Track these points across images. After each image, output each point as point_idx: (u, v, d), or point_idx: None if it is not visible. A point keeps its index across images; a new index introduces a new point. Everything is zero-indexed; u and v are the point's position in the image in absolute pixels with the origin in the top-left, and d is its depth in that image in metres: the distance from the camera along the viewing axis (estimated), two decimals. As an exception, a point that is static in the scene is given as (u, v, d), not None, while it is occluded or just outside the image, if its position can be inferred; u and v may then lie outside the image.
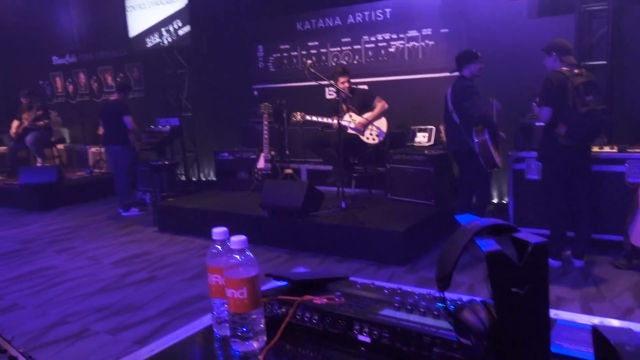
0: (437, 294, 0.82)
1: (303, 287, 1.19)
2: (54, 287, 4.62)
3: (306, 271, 1.44)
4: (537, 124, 4.73)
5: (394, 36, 6.38)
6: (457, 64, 4.53)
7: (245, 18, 7.62)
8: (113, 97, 7.13)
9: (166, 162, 7.33)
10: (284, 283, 1.25)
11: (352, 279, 1.29)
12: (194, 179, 8.47)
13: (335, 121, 5.37)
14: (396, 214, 5.21)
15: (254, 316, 1.03)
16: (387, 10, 6.40)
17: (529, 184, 4.79)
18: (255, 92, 7.67)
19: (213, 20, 7.86)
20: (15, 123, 8.69)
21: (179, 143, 8.12)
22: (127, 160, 6.93)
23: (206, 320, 1.21)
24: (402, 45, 6.34)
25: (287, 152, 6.53)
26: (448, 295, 0.82)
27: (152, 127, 7.99)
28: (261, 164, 6.37)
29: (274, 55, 7.44)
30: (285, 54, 7.32)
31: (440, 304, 0.99)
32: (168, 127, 7.85)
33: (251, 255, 1.05)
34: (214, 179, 8.28)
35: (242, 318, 1.03)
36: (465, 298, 1.03)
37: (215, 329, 1.14)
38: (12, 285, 4.70)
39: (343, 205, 5.19)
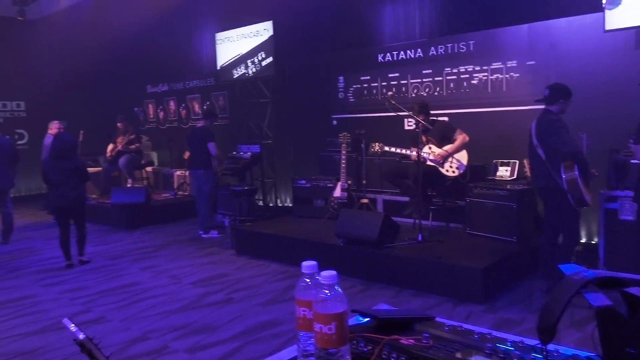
0: (534, 344, 0.79)
1: (388, 325, 1.18)
2: (138, 303, 4.85)
3: (390, 308, 1.42)
4: (632, 161, 4.44)
5: (477, 68, 6.28)
6: (551, 96, 4.34)
7: (327, 50, 7.82)
8: (200, 124, 7.49)
9: (246, 188, 7.57)
10: (366, 319, 1.25)
11: (438, 319, 1.26)
12: (271, 205, 8.67)
13: (414, 152, 5.32)
14: (475, 249, 5.04)
15: (341, 353, 1.03)
16: (471, 42, 6.32)
17: (622, 225, 4.48)
18: (334, 122, 7.79)
19: (295, 52, 8.13)
20: (110, 146, 9.35)
21: (259, 169, 8.37)
22: (209, 185, 7.22)
23: (292, 352, 1.23)
24: (485, 77, 6.22)
25: (363, 181, 6.55)
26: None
27: (234, 153, 8.30)
28: (337, 192, 6.42)
29: (354, 86, 7.54)
30: (366, 85, 7.41)
31: (537, 356, 0.95)
32: (249, 153, 8.13)
33: (340, 290, 1.06)
34: (291, 205, 8.45)
35: (329, 354, 1.03)
36: (562, 349, 0.97)
37: (300, 362, 1.15)
38: (101, 299, 4.98)
39: (420, 237, 5.10)
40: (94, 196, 9.63)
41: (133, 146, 9.33)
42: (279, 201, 8.79)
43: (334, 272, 1.05)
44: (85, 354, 1.48)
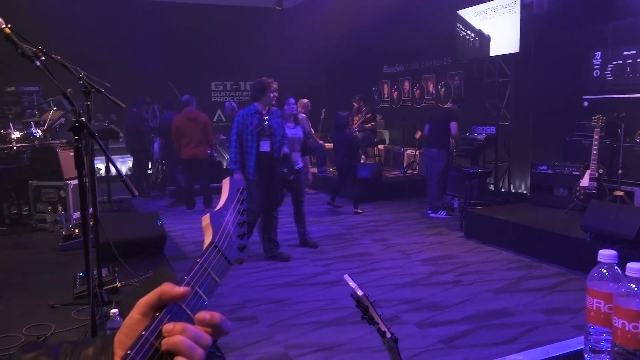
0: None
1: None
2: (370, 272, 5.14)
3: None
4: None
5: None
6: None
7: (581, 22, 6.99)
8: (447, 106, 7.53)
9: (479, 170, 7.33)
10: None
11: None
12: (503, 190, 8.24)
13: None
14: None
15: (646, 354, 0.92)
16: None
17: None
18: (585, 103, 6.97)
19: (543, 26, 7.46)
20: (348, 123, 9.99)
21: (493, 152, 8.01)
22: (441, 164, 7.20)
23: (576, 343, 1.14)
24: None
25: (619, 171, 5.74)
26: None
27: (468, 134, 8.09)
28: (585, 181, 5.76)
29: (615, 63, 6.61)
30: (629, 61, 6.43)
31: None
32: (484, 135, 7.83)
33: (648, 286, 0.94)
34: (525, 192, 7.91)
35: (631, 354, 0.93)
36: None
37: (587, 356, 1.07)
38: (337, 263, 5.41)
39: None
40: (330, 170, 10.45)
41: (368, 125, 9.81)
42: (512, 187, 8.31)
43: (641, 266, 0.94)
44: (360, 309, 1.62)
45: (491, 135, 7.79)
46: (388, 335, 1.60)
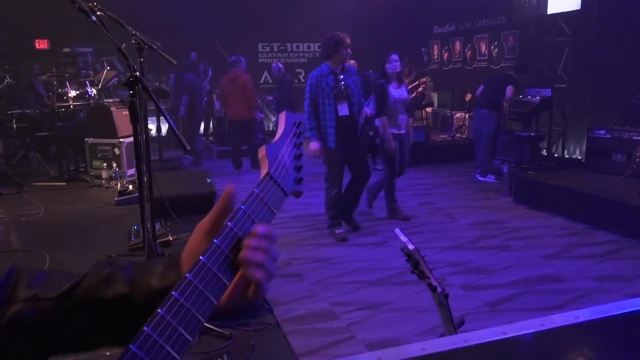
0: None
1: None
2: (414, 234, 5.11)
3: None
4: None
5: None
6: None
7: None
8: (509, 72, 7.29)
9: (531, 134, 7.09)
10: None
11: None
12: (556, 155, 7.96)
13: None
14: None
15: None
16: None
17: None
18: (652, 64, 6.57)
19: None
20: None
21: (547, 115, 7.71)
22: (491, 127, 7.00)
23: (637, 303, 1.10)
24: None
25: (685, 137, 5.43)
26: None
27: (521, 97, 7.79)
28: (646, 147, 5.48)
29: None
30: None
31: None
32: (538, 97, 7.54)
33: None
34: (579, 157, 7.62)
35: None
36: None
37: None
38: (381, 225, 5.40)
39: None
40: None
41: (419, 88, 9.60)
42: (566, 152, 8.01)
43: None
44: (410, 263, 1.62)
45: (546, 98, 7.48)
46: (439, 290, 1.60)
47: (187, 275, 0.60)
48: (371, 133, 5.04)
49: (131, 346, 0.55)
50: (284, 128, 0.75)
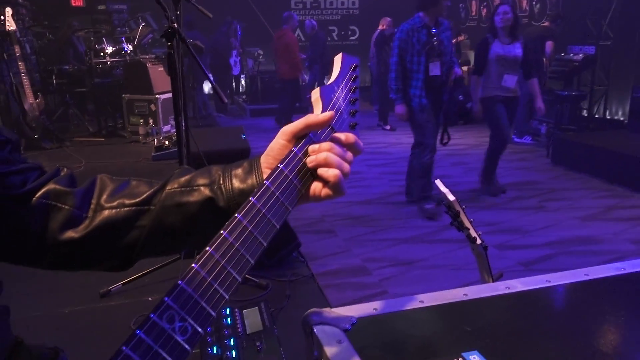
0: None
1: None
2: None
3: None
4: None
5: None
6: None
7: None
8: (543, 24, 7.00)
9: (572, 94, 6.85)
10: None
11: None
12: (597, 116, 7.70)
13: None
14: None
15: None
16: None
17: None
18: None
19: None
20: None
21: (589, 74, 7.42)
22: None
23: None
24: None
25: None
26: None
27: (563, 54, 7.50)
28: (696, 108, 5.25)
29: None
30: None
31: None
32: (581, 55, 7.24)
33: None
34: (622, 119, 7.35)
35: None
36: None
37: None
38: (416, 184, 5.38)
39: None
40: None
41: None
42: (607, 113, 7.73)
43: None
44: (450, 215, 1.62)
45: (589, 56, 7.18)
46: (478, 241, 1.60)
47: (265, 182, 0.63)
48: (460, 97, 4.56)
49: (194, 264, 0.56)
50: (340, 70, 0.74)
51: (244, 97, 11.00)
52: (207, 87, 10.99)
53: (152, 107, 6.27)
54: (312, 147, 0.66)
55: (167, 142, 5.43)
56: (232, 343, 2.06)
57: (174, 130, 5.93)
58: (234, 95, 10.87)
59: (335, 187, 0.67)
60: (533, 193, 5.03)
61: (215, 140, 4.70)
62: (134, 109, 6.42)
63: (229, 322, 2.20)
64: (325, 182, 0.67)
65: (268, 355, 1.96)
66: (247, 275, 2.70)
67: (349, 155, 0.69)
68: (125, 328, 2.33)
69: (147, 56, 7.10)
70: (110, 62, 6.86)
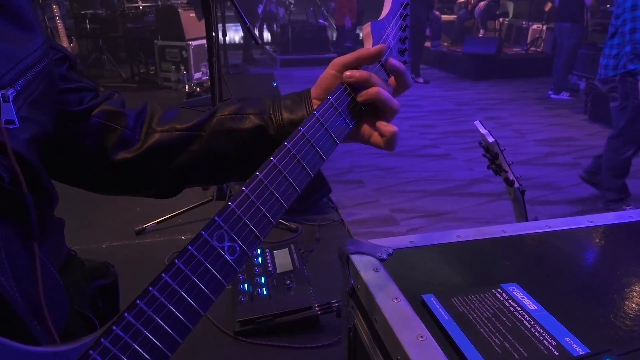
0: None
1: None
2: (478, 148, 4.98)
3: None
4: None
5: None
6: None
7: None
8: None
9: (616, 48, 6.55)
10: None
11: None
12: (641, 73, 7.37)
13: None
14: None
15: None
16: None
17: None
18: None
19: None
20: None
21: (636, 28, 7.05)
22: (573, 40, 6.51)
23: None
24: None
25: None
26: None
27: (609, 6, 7.13)
28: None
29: None
30: None
31: None
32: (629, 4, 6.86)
33: None
34: (668, 76, 7.02)
35: None
36: None
37: None
38: (447, 138, 5.31)
39: None
40: (445, 44, 9.89)
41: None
42: (652, 70, 7.38)
43: None
44: (488, 157, 1.60)
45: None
46: (516, 184, 1.58)
47: (315, 112, 0.63)
48: None
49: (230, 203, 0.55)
50: (390, 7, 0.73)
51: (274, 46, 10.86)
52: (237, 36, 10.90)
53: (184, 53, 6.26)
54: (361, 73, 0.67)
55: (198, 89, 5.45)
56: (263, 281, 2.12)
57: (206, 77, 5.96)
58: (265, 45, 10.74)
59: (389, 142, 0.70)
60: (568, 150, 4.92)
61: (247, 87, 4.69)
62: (165, 55, 6.41)
63: (260, 261, 2.26)
64: (381, 134, 0.69)
65: (298, 293, 2.01)
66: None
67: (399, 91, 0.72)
68: (160, 263, 2.40)
69: (179, 1, 7.03)
70: (142, 7, 6.83)
